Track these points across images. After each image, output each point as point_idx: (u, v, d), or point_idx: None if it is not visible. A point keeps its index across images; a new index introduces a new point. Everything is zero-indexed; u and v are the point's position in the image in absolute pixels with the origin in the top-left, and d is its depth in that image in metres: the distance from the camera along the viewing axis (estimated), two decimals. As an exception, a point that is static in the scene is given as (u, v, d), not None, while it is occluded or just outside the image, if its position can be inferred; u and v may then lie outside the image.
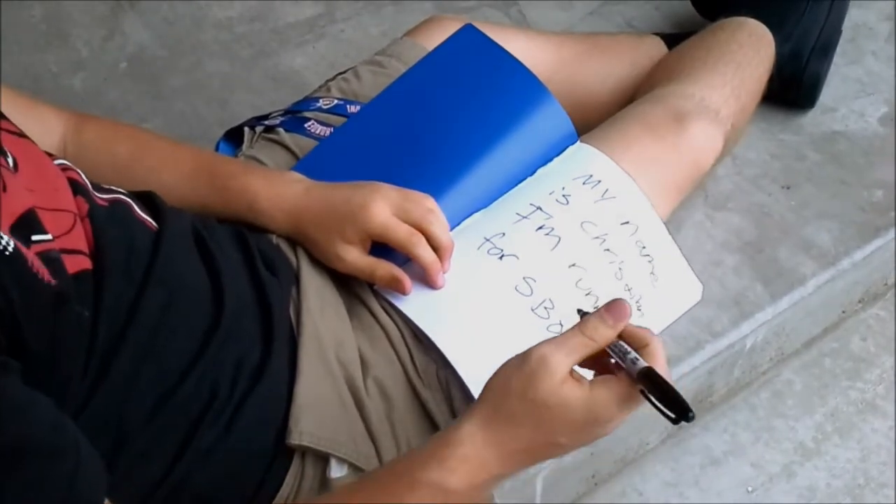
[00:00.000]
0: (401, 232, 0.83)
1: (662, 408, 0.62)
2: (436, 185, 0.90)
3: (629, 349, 0.64)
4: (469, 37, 1.00)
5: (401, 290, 0.84)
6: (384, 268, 0.85)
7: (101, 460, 0.60)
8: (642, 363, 0.63)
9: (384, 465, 0.70)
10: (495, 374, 0.66)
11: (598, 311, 0.65)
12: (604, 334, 0.64)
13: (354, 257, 0.84)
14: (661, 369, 0.63)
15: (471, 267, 0.88)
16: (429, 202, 0.85)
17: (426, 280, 0.85)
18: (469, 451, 0.64)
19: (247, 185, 0.88)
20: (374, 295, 0.87)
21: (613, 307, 0.65)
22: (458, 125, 0.95)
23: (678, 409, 0.61)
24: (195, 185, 0.88)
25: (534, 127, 0.95)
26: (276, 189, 0.87)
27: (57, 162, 0.74)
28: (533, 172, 0.96)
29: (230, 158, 1.00)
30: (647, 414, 1.08)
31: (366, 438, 0.80)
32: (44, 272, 0.60)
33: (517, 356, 0.65)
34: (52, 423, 0.57)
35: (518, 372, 0.64)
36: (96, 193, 0.74)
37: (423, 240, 0.84)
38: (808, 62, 1.30)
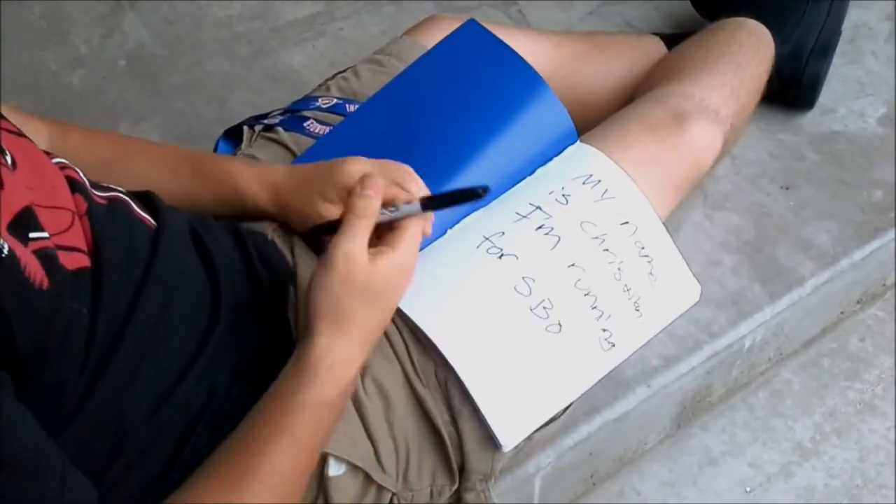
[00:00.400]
0: (379, 182, 0.82)
1: (460, 203, 0.75)
2: (433, 179, 0.90)
3: (394, 204, 0.75)
4: (471, 32, 1.00)
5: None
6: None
7: (89, 483, 0.60)
8: (415, 201, 0.74)
9: (258, 405, 0.71)
10: (312, 292, 0.71)
11: (355, 192, 0.73)
12: (372, 206, 0.73)
13: (335, 215, 0.84)
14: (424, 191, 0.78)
15: (470, 266, 0.88)
16: (407, 167, 0.85)
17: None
18: (333, 361, 0.71)
19: (231, 169, 0.89)
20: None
21: (364, 182, 0.74)
22: (456, 118, 0.95)
23: (469, 196, 0.73)
24: (181, 179, 0.88)
25: (531, 120, 0.95)
26: (259, 170, 0.89)
27: (55, 161, 0.73)
28: (531, 167, 0.96)
29: (214, 153, 1.00)
30: (645, 415, 1.09)
31: (364, 437, 0.80)
32: (38, 275, 0.60)
33: (322, 267, 0.71)
34: (38, 441, 0.57)
35: (333, 277, 0.71)
36: (95, 192, 0.74)
37: (402, 192, 0.83)
38: (808, 62, 1.30)
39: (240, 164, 0.90)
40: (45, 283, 0.61)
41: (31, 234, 0.62)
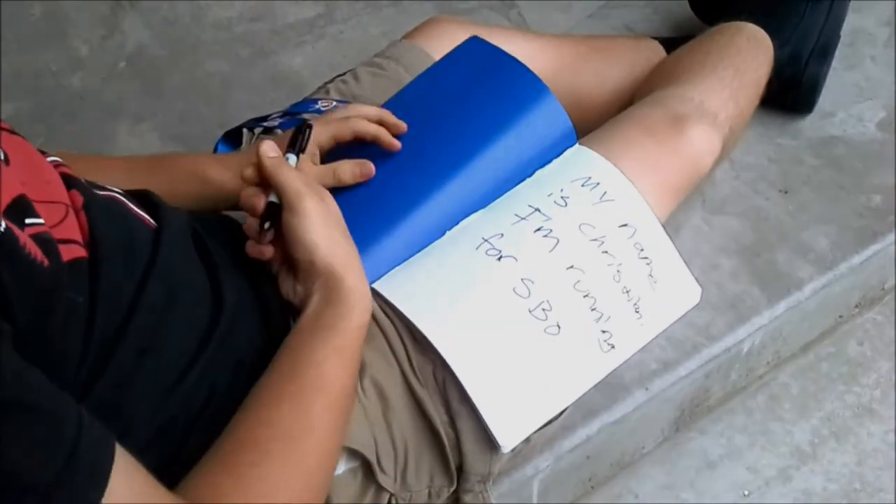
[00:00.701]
0: (336, 122, 0.91)
1: (306, 139, 0.85)
2: (436, 180, 0.91)
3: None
4: (473, 48, 1.00)
5: (368, 173, 0.89)
6: (343, 165, 0.89)
7: (107, 430, 0.59)
8: (287, 154, 0.83)
9: (296, 339, 0.75)
10: (314, 247, 0.75)
11: (261, 158, 0.79)
12: (279, 159, 0.79)
13: (309, 168, 0.88)
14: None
15: (469, 267, 0.88)
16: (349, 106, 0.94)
17: (384, 147, 0.92)
18: (361, 291, 0.77)
19: (194, 160, 0.92)
20: (373, 294, 0.87)
21: (261, 149, 0.79)
22: (457, 120, 0.96)
23: (305, 135, 0.85)
24: (143, 177, 0.89)
25: (530, 121, 0.95)
26: (222, 157, 0.93)
27: (50, 159, 0.73)
28: (530, 169, 0.96)
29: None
30: (644, 419, 1.08)
31: (367, 430, 0.80)
32: (37, 253, 0.60)
33: (303, 222, 0.75)
34: (49, 387, 0.56)
35: (316, 223, 0.76)
36: (93, 190, 0.74)
37: (360, 119, 0.91)
38: (807, 66, 1.31)
39: (202, 155, 0.94)
40: (46, 262, 0.60)
41: (28, 220, 0.61)
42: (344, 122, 0.93)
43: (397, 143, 0.93)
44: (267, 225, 0.78)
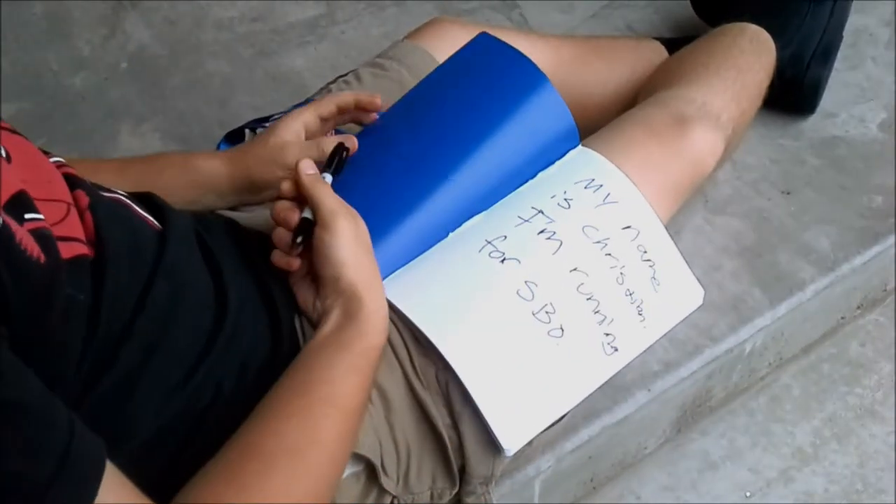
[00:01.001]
0: (314, 102, 0.95)
1: (344, 161, 0.89)
2: (438, 176, 0.91)
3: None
4: (480, 44, 1.00)
5: (351, 146, 0.91)
6: (328, 140, 0.91)
7: (98, 438, 0.59)
8: (324, 173, 0.86)
9: (310, 356, 0.75)
10: (342, 268, 0.77)
11: (300, 177, 0.81)
12: (316, 177, 0.82)
13: (295, 151, 0.90)
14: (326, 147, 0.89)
15: (472, 270, 0.88)
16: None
17: (365, 107, 0.97)
18: (381, 312, 0.79)
19: (182, 155, 0.94)
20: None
21: (300, 167, 0.81)
22: (458, 117, 0.95)
23: (343, 156, 0.89)
24: (135, 177, 0.89)
25: (534, 121, 0.94)
26: (212, 151, 0.95)
27: (53, 160, 0.73)
28: (533, 169, 0.96)
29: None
30: (645, 419, 1.08)
31: (370, 435, 0.80)
32: (34, 249, 0.59)
33: (335, 239, 0.77)
34: (43, 391, 0.56)
35: (350, 243, 0.77)
36: (98, 191, 0.74)
37: (333, 97, 0.96)
38: (809, 66, 1.30)
39: (191, 151, 0.96)
40: (42, 258, 0.60)
41: (27, 216, 0.61)
42: (321, 99, 0.96)
43: (377, 102, 0.96)
44: (300, 239, 0.79)
